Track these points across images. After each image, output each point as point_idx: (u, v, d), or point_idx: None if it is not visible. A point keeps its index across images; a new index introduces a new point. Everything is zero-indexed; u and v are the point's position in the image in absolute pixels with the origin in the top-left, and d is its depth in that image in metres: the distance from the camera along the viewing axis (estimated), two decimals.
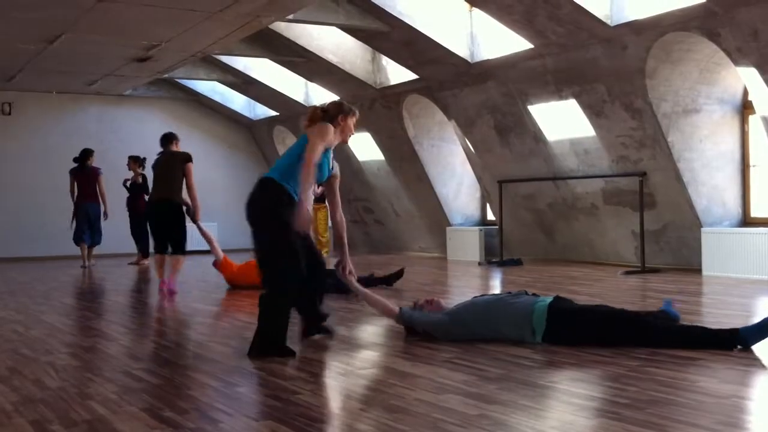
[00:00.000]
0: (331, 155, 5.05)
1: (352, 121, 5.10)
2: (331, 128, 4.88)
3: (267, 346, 4.78)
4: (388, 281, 8.82)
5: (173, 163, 8.72)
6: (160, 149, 9.01)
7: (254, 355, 4.78)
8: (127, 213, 13.54)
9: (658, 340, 4.72)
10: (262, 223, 4.80)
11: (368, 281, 8.40)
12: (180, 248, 8.64)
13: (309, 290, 5.09)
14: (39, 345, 5.50)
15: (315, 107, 5.11)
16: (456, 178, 13.60)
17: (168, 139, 8.98)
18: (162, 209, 8.61)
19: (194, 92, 16.52)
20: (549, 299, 5.03)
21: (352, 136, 5.16)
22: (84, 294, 9.55)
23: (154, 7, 8.88)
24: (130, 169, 13.52)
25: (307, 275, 4.91)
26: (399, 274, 8.94)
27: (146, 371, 4.53)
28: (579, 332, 4.85)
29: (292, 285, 4.76)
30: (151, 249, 13.25)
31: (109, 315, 7.52)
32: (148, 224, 9.06)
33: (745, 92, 9.31)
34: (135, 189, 13.46)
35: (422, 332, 5.27)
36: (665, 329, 4.85)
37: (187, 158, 8.71)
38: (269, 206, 4.77)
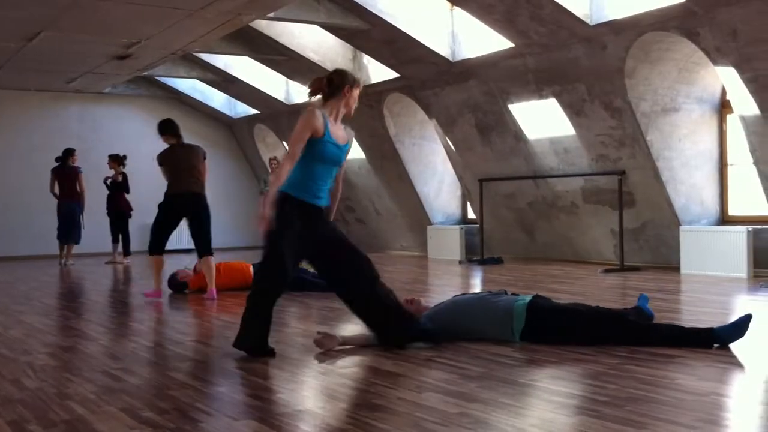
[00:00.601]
0: (331, 134, 4.76)
1: (356, 93, 4.90)
2: (314, 114, 4.68)
3: (247, 342, 4.78)
4: None
5: (197, 157, 8.13)
6: (159, 137, 8.28)
7: (237, 347, 4.80)
8: (106, 211, 13.49)
9: (637, 339, 4.75)
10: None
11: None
12: (210, 248, 8.06)
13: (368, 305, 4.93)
14: (18, 345, 5.46)
15: (319, 78, 4.92)
16: (437, 176, 13.62)
17: (178, 128, 8.21)
18: (193, 204, 7.99)
19: (174, 90, 16.44)
20: (528, 298, 5.05)
21: (354, 107, 4.95)
22: (64, 294, 9.48)
23: (134, 5, 8.83)
24: (111, 168, 13.48)
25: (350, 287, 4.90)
26: None
27: (126, 371, 4.50)
28: (558, 331, 4.88)
29: (272, 287, 4.77)
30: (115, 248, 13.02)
31: (89, 315, 7.47)
32: (162, 218, 8.03)
33: (724, 91, 9.38)
34: (115, 187, 13.42)
35: None
36: (645, 328, 4.89)
37: (205, 155, 8.25)
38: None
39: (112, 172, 13.53)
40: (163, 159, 8.15)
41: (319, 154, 4.71)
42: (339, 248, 4.92)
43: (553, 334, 4.87)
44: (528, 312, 4.93)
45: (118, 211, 13.40)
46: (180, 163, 8.04)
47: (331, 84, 4.85)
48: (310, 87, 4.92)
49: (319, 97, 4.91)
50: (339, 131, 4.85)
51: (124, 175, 13.40)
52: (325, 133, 4.71)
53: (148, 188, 15.64)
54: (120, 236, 13.54)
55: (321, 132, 4.69)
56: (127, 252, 13.44)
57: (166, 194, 8.06)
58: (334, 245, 4.91)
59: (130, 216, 13.53)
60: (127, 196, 13.52)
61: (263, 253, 4.78)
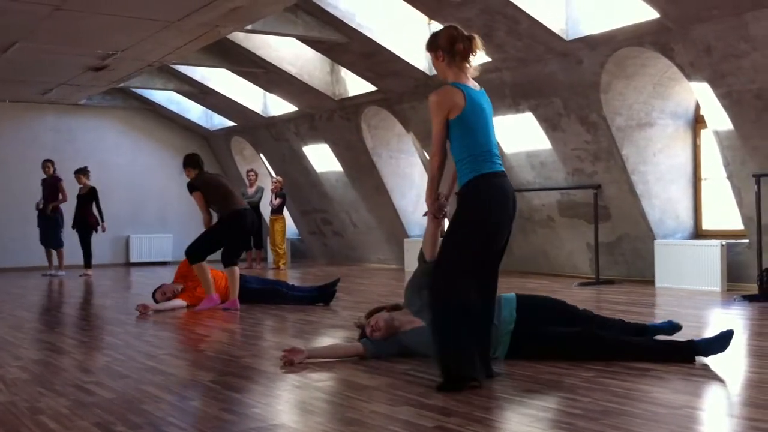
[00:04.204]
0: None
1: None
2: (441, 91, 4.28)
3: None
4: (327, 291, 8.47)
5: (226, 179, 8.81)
6: (185, 168, 8.45)
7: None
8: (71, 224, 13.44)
9: (616, 353, 4.71)
10: None
11: (313, 297, 8.29)
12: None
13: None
14: None
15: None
16: (414, 189, 13.64)
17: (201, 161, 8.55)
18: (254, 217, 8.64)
19: (150, 102, 16.36)
20: (511, 326, 4.85)
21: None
22: (35, 306, 9.37)
23: (111, 16, 8.78)
24: (79, 183, 13.38)
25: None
26: (335, 283, 8.56)
27: (98, 385, 4.46)
28: (537, 352, 4.81)
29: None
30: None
31: (61, 328, 7.39)
32: (236, 235, 8.28)
33: (698, 107, 9.48)
34: (81, 200, 13.29)
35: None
36: (624, 343, 4.82)
37: None
38: None
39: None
40: (211, 184, 8.25)
41: None
42: None
43: (532, 354, 4.81)
44: (512, 340, 4.86)
45: (86, 223, 13.25)
46: (226, 186, 8.32)
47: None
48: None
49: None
50: None
51: (92, 188, 13.26)
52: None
53: (121, 200, 15.64)
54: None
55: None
56: (88, 265, 13.28)
57: (234, 211, 8.11)
58: None
59: (96, 230, 13.36)
60: (99, 208, 13.38)
61: None
